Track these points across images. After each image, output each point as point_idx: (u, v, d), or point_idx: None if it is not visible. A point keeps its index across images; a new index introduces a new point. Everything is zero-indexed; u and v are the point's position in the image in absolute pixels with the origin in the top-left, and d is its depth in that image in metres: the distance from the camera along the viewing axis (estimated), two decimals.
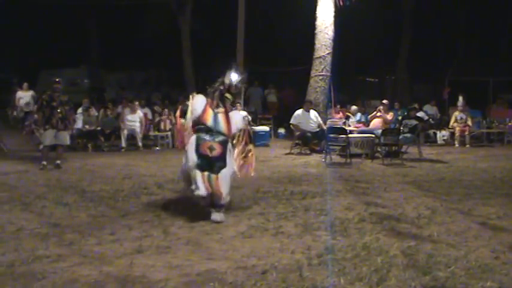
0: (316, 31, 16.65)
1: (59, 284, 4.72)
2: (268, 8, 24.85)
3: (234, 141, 7.38)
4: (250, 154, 7.48)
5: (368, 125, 15.66)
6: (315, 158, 13.72)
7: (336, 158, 13.12)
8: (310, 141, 14.94)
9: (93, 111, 16.29)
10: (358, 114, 17.28)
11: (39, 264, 5.24)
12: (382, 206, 7.93)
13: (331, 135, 13.33)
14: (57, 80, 11.75)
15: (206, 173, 6.90)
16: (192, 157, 6.98)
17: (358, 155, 13.53)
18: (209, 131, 7.11)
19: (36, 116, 15.18)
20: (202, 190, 6.81)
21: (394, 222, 6.96)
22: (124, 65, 28.96)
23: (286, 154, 14.62)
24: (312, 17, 16.71)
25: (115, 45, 29.06)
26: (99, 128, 15.51)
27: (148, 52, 28.76)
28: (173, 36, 25.65)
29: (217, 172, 6.94)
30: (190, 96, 7.52)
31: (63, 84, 12.20)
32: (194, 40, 25.01)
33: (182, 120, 7.46)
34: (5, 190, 9.03)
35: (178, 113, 7.71)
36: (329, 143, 13.17)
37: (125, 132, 15.38)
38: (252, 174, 7.64)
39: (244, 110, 18.05)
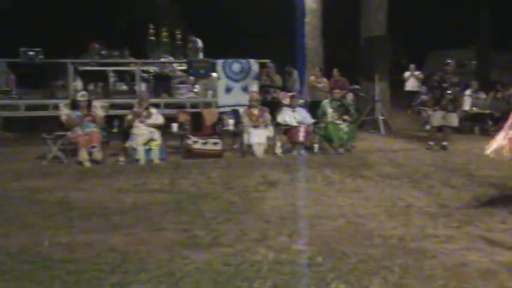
0: None
1: (449, 266, 4.71)
2: None
3: None
4: None
5: None
6: None
7: None
8: None
9: (482, 94, 15.73)
10: None
11: (428, 243, 5.32)
12: None
13: None
14: (449, 61, 11.69)
15: None
16: None
17: None
18: None
19: (423, 97, 15.45)
20: None
21: None
22: None
23: None
24: None
25: (508, 24, 27.38)
26: (487, 112, 14.92)
27: None
28: None
29: None
30: None
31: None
32: None
33: None
34: (394, 167, 9.46)
35: None
36: None
37: None
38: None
39: None
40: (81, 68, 14.14)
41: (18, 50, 13.51)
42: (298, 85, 14.85)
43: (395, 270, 4.61)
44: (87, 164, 9.53)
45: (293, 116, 11.02)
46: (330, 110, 11.22)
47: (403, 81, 19.92)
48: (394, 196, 7.28)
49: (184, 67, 14.64)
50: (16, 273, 4.62)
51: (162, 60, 14.84)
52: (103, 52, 14.34)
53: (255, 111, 10.82)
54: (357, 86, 16.02)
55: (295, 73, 15.08)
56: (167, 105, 13.27)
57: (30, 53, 13.33)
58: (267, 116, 10.89)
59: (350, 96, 15.21)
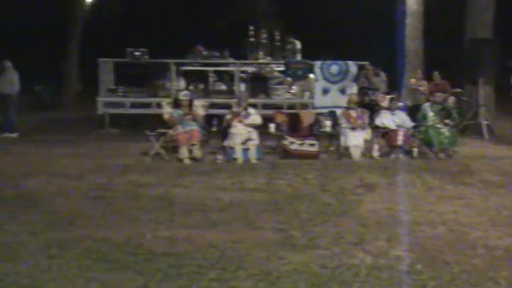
0: None
1: None
2: None
3: None
4: None
5: None
6: None
7: None
8: None
9: None
10: None
11: None
12: None
13: None
14: None
15: None
16: None
17: None
18: None
19: None
20: None
21: None
22: None
23: None
24: None
25: None
26: None
27: None
28: None
29: None
30: None
31: None
32: None
33: None
34: (499, 174, 9.02)
35: None
36: None
37: None
38: None
39: None
40: (183, 68, 14.61)
41: (125, 50, 14.19)
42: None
43: (501, 282, 4.41)
44: (187, 161, 9.82)
45: (392, 119, 10.79)
46: (430, 114, 10.90)
47: (510, 86, 18.98)
48: (499, 205, 6.97)
49: (282, 68, 14.75)
50: (121, 263, 4.84)
51: (261, 61, 15.04)
52: (204, 53, 14.74)
53: (353, 113, 10.70)
54: (458, 90, 15.45)
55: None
56: (265, 106, 13.43)
57: (136, 53, 13.95)
58: (365, 118, 10.73)
59: (451, 100, 14.69)
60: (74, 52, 22.54)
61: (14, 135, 13.32)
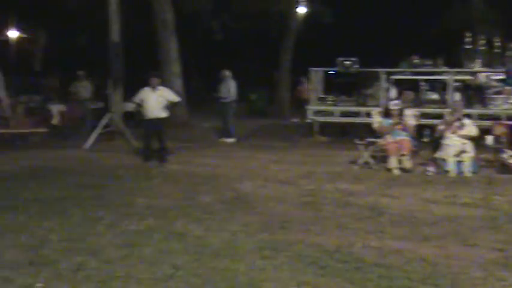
0: None
1: None
2: None
3: None
4: None
5: None
6: None
7: None
8: None
9: None
10: None
11: None
12: None
13: None
14: None
15: None
16: None
17: None
18: None
19: None
20: None
21: None
22: None
23: None
24: None
25: None
26: None
27: None
28: None
29: None
30: None
31: None
32: None
33: None
34: None
35: None
36: None
37: None
38: None
39: None
40: (394, 77, 14.42)
41: (334, 59, 14.45)
42: None
43: None
44: (396, 171, 9.63)
45: None
46: None
47: None
48: None
49: (501, 76, 13.80)
50: (331, 270, 4.88)
51: (477, 69, 14.24)
52: (416, 61, 14.39)
53: None
54: None
55: None
56: (481, 117, 12.66)
57: (347, 62, 14.10)
58: None
59: None
60: (286, 62, 23.49)
61: (231, 140, 14.28)
